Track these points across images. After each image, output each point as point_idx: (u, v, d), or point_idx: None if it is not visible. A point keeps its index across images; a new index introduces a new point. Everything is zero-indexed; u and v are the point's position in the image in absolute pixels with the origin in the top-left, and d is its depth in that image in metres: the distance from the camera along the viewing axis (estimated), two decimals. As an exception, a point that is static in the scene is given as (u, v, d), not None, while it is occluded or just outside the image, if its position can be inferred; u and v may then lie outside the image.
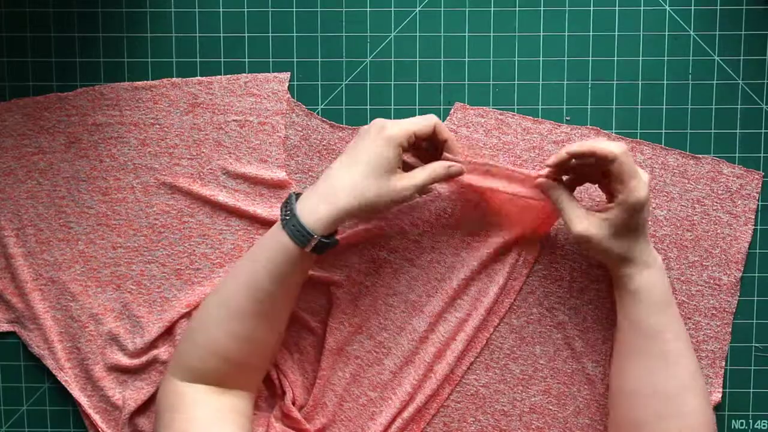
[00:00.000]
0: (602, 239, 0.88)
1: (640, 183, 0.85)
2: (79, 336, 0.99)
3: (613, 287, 0.92)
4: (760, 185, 0.96)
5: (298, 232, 0.85)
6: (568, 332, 0.97)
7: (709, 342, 0.97)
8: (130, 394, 0.98)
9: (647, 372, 0.87)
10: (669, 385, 0.86)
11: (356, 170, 0.87)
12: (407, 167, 0.92)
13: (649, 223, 0.96)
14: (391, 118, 0.96)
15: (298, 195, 0.89)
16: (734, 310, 0.97)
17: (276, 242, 0.87)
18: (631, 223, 0.87)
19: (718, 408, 0.97)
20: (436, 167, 0.91)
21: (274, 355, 0.97)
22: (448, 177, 0.92)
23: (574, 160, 0.89)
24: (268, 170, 0.98)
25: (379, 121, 0.88)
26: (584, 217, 0.89)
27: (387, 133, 0.87)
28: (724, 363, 0.97)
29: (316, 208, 0.86)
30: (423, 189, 0.91)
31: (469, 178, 0.93)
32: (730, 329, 0.97)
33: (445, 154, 0.92)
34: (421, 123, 0.89)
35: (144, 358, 0.98)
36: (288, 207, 0.87)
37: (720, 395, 0.97)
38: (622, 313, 0.90)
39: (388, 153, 0.87)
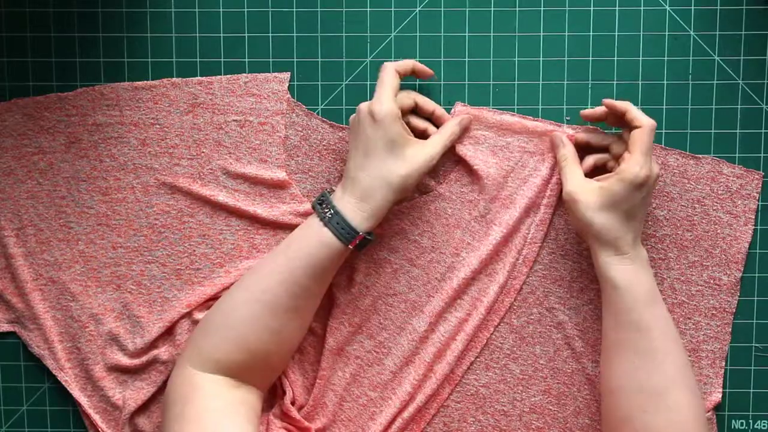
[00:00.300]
0: (589, 206, 0.88)
1: (647, 161, 0.86)
2: (79, 336, 0.99)
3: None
4: (760, 185, 0.96)
5: (343, 229, 0.89)
6: (568, 332, 0.97)
7: (709, 342, 0.97)
8: (130, 394, 0.98)
9: (633, 368, 0.87)
10: (655, 381, 0.86)
11: (376, 163, 0.89)
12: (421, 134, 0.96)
13: (649, 223, 0.96)
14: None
15: (330, 191, 0.93)
16: (734, 310, 0.97)
17: (318, 239, 0.89)
18: (623, 199, 0.87)
19: (718, 408, 0.97)
20: (448, 126, 0.95)
21: (294, 351, 0.98)
22: (463, 130, 0.96)
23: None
24: (268, 170, 0.98)
25: (364, 110, 0.90)
26: (580, 179, 0.91)
27: (380, 116, 0.88)
28: (724, 363, 0.97)
29: (358, 206, 0.89)
30: (443, 151, 0.94)
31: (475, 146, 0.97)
32: (730, 329, 0.97)
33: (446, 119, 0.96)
34: (387, 80, 0.91)
35: (144, 358, 0.98)
36: (327, 204, 0.90)
37: (720, 395, 0.97)
38: (606, 307, 0.90)
39: (393, 132, 0.89)
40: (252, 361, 0.90)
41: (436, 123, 0.96)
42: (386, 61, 0.97)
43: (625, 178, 0.86)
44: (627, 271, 0.88)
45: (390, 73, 0.91)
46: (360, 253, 0.97)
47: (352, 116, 0.92)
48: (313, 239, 0.89)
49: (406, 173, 0.90)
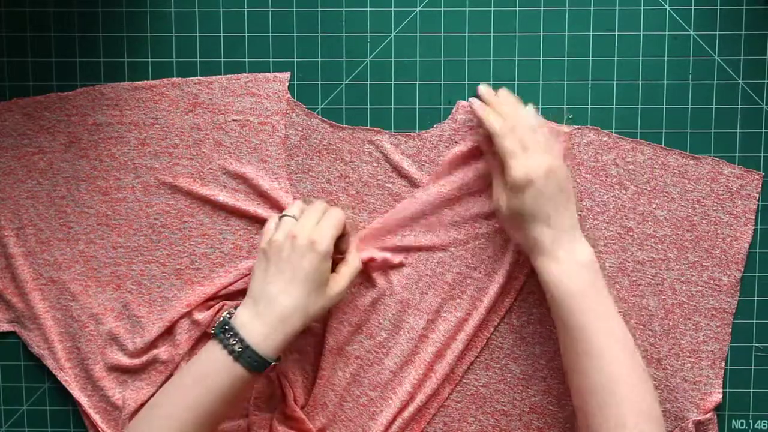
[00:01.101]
0: (501, 217, 0.91)
1: (515, 162, 0.88)
2: (79, 336, 0.99)
3: (617, 286, 0.93)
4: (760, 185, 0.96)
5: (255, 362, 0.86)
6: (568, 332, 0.97)
7: (709, 342, 0.97)
8: (130, 394, 0.98)
9: (576, 367, 0.87)
10: (597, 379, 0.84)
11: (299, 291, 0.88)
12: None
13: (649, 223, 0.96)
14: (391, 118, 0.97)
15: (229, 315, 0.89)
16: (734, 311, 0.97)
17: (230, 374, 0.86)
18: (516, 204, 0.88)
19: (718, 408, 0.97)
20: (352, 261, 0.95)
21: None
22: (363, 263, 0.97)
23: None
24: (268, 174, 0.98)
25: (302, 238, 0.88)
26: (501, 191, 0.91)
27: (320, 248, 0.88)
28: (724, 363, 0.97)
29: (270, 335, 0.86)
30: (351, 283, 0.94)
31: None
32: (730, 330, 0.97)
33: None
34: (337, 224, 0.92)
35: (144, 358, 0.98)
36: (234, 336, 0.86)
37: (720, 395, 0.97)
38: (550, 309, 0.91)
39: (324, 267, 0.89)
40: None
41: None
42: (387, 60, 0.97)
43: (508, 186, 0.89)
44: (554, 273, 0.87)
45: (322, 210, 0.93)
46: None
47: (278, 239, 0.90)
48: (225, 374, 0.86)
49: (324, 305, 0.90)
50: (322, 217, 0.92)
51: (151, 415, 0.87)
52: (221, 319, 0.89)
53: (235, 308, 0.90)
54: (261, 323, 0.87)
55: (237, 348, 0.85)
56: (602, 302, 0.87)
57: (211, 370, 0.86)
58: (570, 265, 0.87)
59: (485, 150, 0.95)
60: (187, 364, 0.90)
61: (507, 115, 0.91)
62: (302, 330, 0.89)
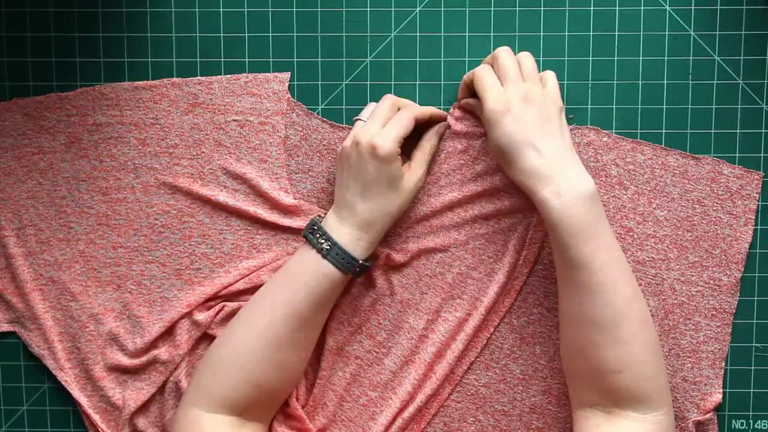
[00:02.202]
0: (496, 155, 0.91)
1: (490, 95, 0.88)
2: (79, 336, 0.99)
3: None
4: (760, 185, 0.96)
5: (342, 259, 0.89)
6: (568, 332, 0.97)
7: (709, 343, 0.97)
8: (130, 395, 0.98)
9: (578, 302, 0.86)
10: (600, 315, 0.84)
11: (376, 197, 0.90)
12: None
13: (649, 223, 0.96)
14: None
15: (319, 218, 0.93)
16: (734, 311, 0.97)
17: (318, 271, 0.89)
18: (496, 137, 0.88)
19: (718, 408, 0.97)
20: (427, 141, 0.96)
21: (298, 382, 0.98)
22: (440, 137, 0.97)
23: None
24: (268, 174, 0.98)
25: (364, 145, 0.89)
26: (487, 131, 0.91)
27: (382, 152, 0.88)
28: (724, 364, 0.97)
29: (356, 236, 0.90)
30: (428, 167, 0.96)
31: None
32: (731, 330, 0.97)
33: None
34: (404, 124, 0.91)
35: (144, 358, 0.98)
36: (323, 235, 0.90)
37: (720, 396, 0.97)
38: (550, 242, 0.90)
39: (393, 169, 0.90)
40: (259, 396, 0.90)
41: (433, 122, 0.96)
42: (387, 60, 0.97)
43: (485, 120, 0.91)
44: (557, 207, 0.85)
45: (408, 119, 0.92)
46: None
47: (347, 145, 0.91)
48: (313, 272, 0.90)
49: (403, 202, 0.93)
50: (389, 115, 0.92)
51: (240, 331, 0.91)
52: (311, 220, 0.93)
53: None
54: (347, 227, 0.91)
55: (325, 246, 0.90)
56: (607, 235, 0.86)
57: (300, 269, 0.90)
58: (572, 197, 0.84)
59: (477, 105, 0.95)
60: (274, 274, 0.94)
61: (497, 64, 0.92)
62: (390, 227, 0.94)
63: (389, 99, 0.94)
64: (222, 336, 0.92)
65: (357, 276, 0.93)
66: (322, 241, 0.90)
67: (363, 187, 0.90)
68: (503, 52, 0.91)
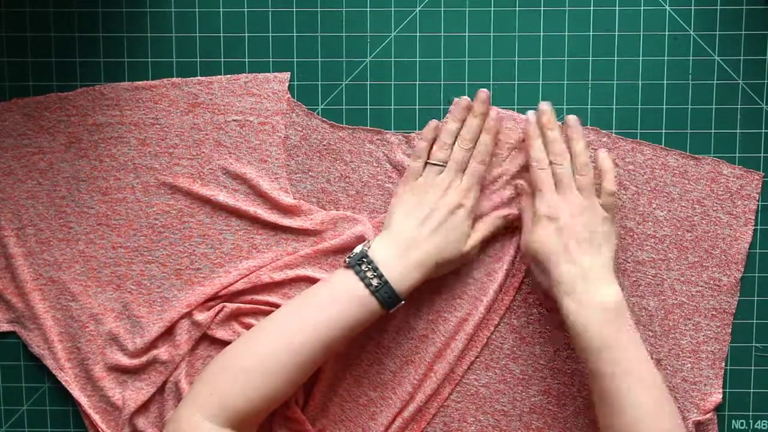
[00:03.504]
0: (526, 252, 0.93)
1: (542, 197, 0.91)
2: (79, 336, 0.99)
3: None
4: (760, 186, 0.96)
5: (390, 299, 0.89)
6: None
7: (709, 343, 0.97)
8: (129, 395, 0.98)
9: (601, 411, 0.86)
10: (618, 426, 0.84)
11: (440, 242, 0.92)
12: None
13: (649, 223, 0.96)
14: (391, 118, 0.97)
15: (367, 247, 0.92)
16: (734, 311, 0.97)
17: (363, 306, 0.89)
18: (536, 240, 0.90)
19: (718, 408, 0.97)
20: (492, 221, 0.96)
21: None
22: (506, 223, 0.97)
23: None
24: (268, 174, 0.98)
25: (451, 192, 0.93)
26: (527, 222, 0.94)
27: (468, 208, 0.93)
28: (724, 364, 0.97)
29: (406, 276, 0.90)
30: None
31: None
32: (730, 330, 0.97)
33: None
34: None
35: (144, 358, 0.98)
36: (373, 270, 0.89)
37: (720, 396, 0.97)
38: (574, 348, 0.91)
39: (466, 224, 0.93)
40: (267, 409, 0.89)
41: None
42: (387, 60, 0.97)
43: (527, 216, 0.95)
44: (578, 319, 0.85)
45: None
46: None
47: (426, 182, 0.94)
48: (359, 306, 0.89)
49: (455, 260, 0.94)
50: (464, 164, 0.94)
51: (276, 328, 0.90)
52: (358, 250, 0.91)
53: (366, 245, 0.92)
54: (400, 263, 0.90)
55: (375, 282, 0.88)
56: (631, 347, 0.85)
57: (344, 298, 0.89)
58: (594, 309, 0.85)
59: (522, 172, 0.96)
60: (308, 291, 0.92)
61: (553, 149, 0.92)
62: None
63: (461, 153, 0.94)
64: (246, 344, 0.90)
65: (392, 312, 0.92)
66: (371, 275, 0.89)
67: (434, 230, 0.92)
68: (557, 146, 0.92)
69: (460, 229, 0.92)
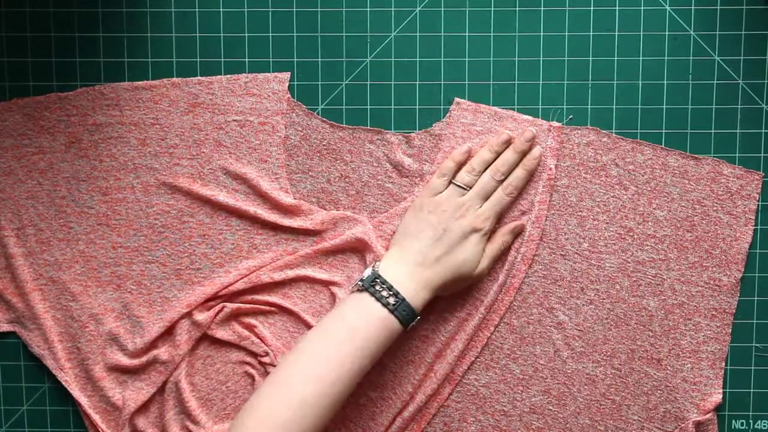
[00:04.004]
0: None
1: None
2: (79, 336, 0.99)
3: (617, 286, 0.93)
4: (760, 186, 0.96)
5: (408, 316, 0.89)
6: (568, 332, 0.97)
7: (709, 343, 0.97)
8: (130, 395, 0.98)
9: None
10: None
11: (453, 264, 0.92)
12: None
13: (649, 223, 0.96)
14: (391, 118, 0.97)
15: (375, 265, 0.92)
16: (734, 311, 0.97)
17: (384, 326, 0.88)
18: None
19: (718, 408, 0.97)
20: (498, 240, 0.97)
21: None
22: (515, 236, 0.98)
23: None
24: (268, 174, 0.98)
25: (468, 215, 0.93)
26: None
27: (482, 233, 0.93)
28: (724, 364, 0.97)
29: (419, 292, 0.90)
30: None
31: None
32: (730, 330, 0.97)
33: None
34: (500, 209, 0.96)
35: (144, 359, 0.98)
36: (388, 289, 0.89)
37: (720, 396, 0.97)
38: None
39: (479, 248, 0.94)
40: None
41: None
42: (387, 60, 0.97)
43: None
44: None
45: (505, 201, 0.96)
46: (360, 254, 0.98)
47: (443, 204, 0.94)
48: (380, 327, 0.88)
49: (464, 282, 0.95)
50: (489, 192, 0.95)
51: (303, 371, 0.86)
52: (369, 272, 0.91)
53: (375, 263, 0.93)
54: (413, 281, 0.90)
55: (392, 300, 0.88)
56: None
57: (365, 324, 0.88)
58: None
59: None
60: (327, 326, 0.89)
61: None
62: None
63: (487, 180, 0.95)
64: (279, 387, 0.86)
65: (409, 329, 0.91)
66: (387, 294, 0.89)
67: (448, 252, 0.92)
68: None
69: (472, 253, 0.93)
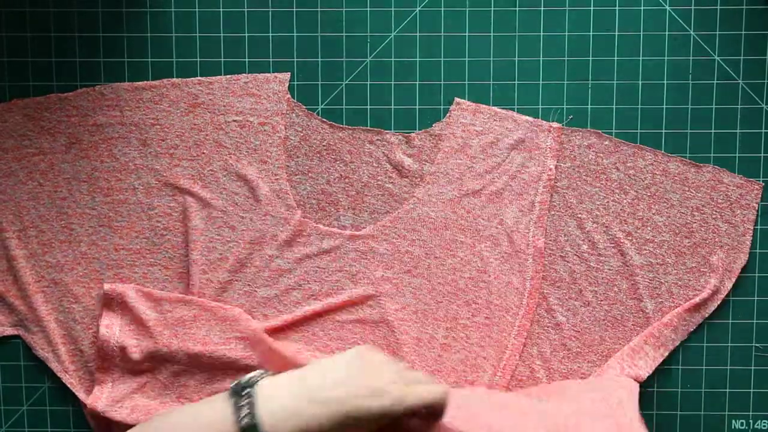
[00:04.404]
0: None
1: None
2: (83, 338, 0.99)
3: (615, 288, 0.93)
4: (759, 196, 0.96)
5: None
6: (565, 333, 0.98)
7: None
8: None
9: None
10: None
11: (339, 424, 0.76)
12: None
13: (648, 228, 0.96)
14: (391, 118, 0.97)
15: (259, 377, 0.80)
16: (707, 315, 0.98)
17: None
18: None
19: (718, 408, 0.97)
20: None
21: None
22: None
23: None
24: (268, 176, 0.98)
25: (386, 387, 0.77)
26: None
27: (393, 409, 0.77)
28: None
29: (284, 423, 0.75)
30: None
31: None
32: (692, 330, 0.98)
33: None
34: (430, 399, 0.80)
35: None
36: (249, 403, 0.76)
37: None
38: None
39: (378, 424, 0.78)
40: None
41: None
42: (387, 60, 0.97)
43: None
44: None
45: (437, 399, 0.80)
46: (360, 275, 0.96)
47: (365, 353, 0.82)
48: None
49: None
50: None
51: None
52: (254, 374, 0.80)
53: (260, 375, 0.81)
54: (290, 407, 0.76)
55: (245, 420, 0.74)
56: None
57: (206, 422, 0.76)
58: None
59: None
60: (174, 416, 0.79)
61: None
62: None
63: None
64: None
65: None
66: (245, 407, 0.75)
67: (344, 413, 0.76)
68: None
69: (372, 424, 0.78)
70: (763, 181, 0.97)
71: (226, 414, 0.75)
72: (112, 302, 0.96)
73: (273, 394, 0.76)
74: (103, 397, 0.96)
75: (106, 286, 0.96)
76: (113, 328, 0.96)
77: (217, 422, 0.75)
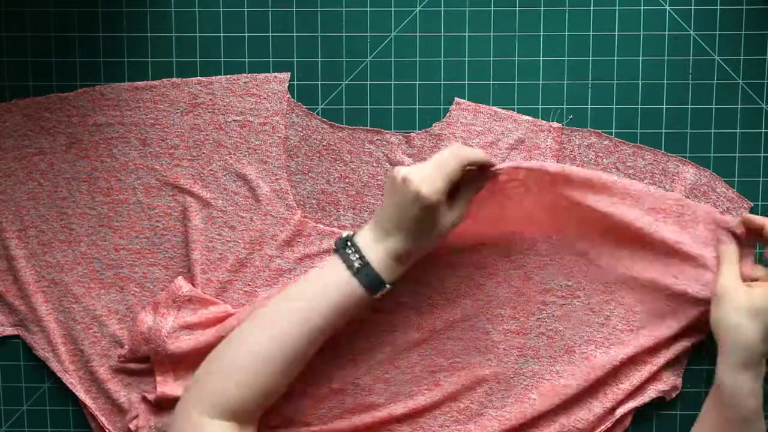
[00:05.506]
0: (738, 309, 0.88)
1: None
2: (83, 338, 0.99)
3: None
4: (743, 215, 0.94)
5: (371, 281, 0.87)
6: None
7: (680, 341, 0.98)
8: (135, 397, 0.98)
9: None
10: None
11: (414, 231, 0.87)
12: None
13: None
14: (391, 118, 0.97)
15: (353, 234, 0.90)
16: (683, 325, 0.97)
17: (345, 289, 0.87)
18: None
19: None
20: (467, 188, 0.91)
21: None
22: (483, 184, 0.92)
23: None
24: (268, 176, 0.97)
25: (412, 188, 0.85)
26: (735, 277, 0.90)
27: (427, 202, 0.85)
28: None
29: (388, 261, 0.87)
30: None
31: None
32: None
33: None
34: (452, 177, 0.87)
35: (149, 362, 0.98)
36: (356, 252, 0.88)
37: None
38: (712, 409, 0.93)
39: (433, 215, 0.86)
40: (263, 404, 0.89)
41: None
42: (387, 60, 0.97)
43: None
44: (741, 384, 0.87)
45: (460, 165, 0.87)
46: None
47: (398, 177, 0.87)
48: (340, 288, 0.88)
49: (439, 236, 0.89)
50: (453, 167, 0.87)
51: (262, 323, 0.89)
52: (344, 235, 0.90)
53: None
54: (382, 250, 0.88)
55: (356, 264, 0.87)
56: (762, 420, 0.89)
57: (328, 282, 0.88)
58: (758, 380, 0.88)
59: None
60: (296, 283, 0.91)
61: None
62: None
63: (456, 152, 0.88)
64: (236, 341, 0.89)
65: (381, 297, 0.90)
66: (354, 258, 0.87)
67: (398, 223, 0.87)
68: None
69: (428, 217, 0.86)
70: (763, 182, 0.97)
71: (338, 266, 0.88)
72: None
73: (368, 243, 0.88)
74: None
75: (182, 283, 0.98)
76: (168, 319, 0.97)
77: (334, 273, 0.88)
